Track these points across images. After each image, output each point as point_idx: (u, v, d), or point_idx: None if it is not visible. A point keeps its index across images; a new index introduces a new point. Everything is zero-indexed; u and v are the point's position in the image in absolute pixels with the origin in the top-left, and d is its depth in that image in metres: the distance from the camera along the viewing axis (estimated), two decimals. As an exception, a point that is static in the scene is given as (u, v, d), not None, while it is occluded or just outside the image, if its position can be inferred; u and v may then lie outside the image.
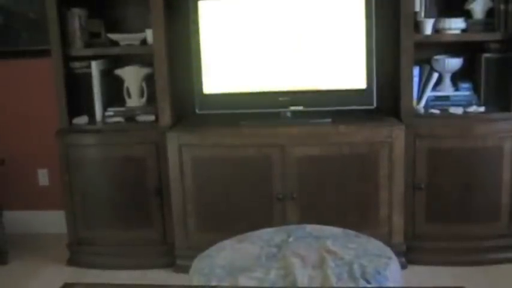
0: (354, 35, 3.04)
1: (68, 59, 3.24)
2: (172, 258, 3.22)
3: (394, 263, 2.15)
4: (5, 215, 3.48)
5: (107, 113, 3.30)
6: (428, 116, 3.16)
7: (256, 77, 3.13)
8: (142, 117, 3.28)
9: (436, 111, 3.18)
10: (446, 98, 3.24)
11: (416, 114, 3.15)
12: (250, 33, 3.10)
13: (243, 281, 2.01)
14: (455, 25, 3.09)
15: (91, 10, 3.32)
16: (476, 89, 3.22)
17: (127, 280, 3.09)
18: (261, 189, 3.08)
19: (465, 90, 3.23)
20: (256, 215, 3.06)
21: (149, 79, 3.29)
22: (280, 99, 3.12)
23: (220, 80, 3.16)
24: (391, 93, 3.23)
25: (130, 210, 3.26)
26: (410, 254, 3.13)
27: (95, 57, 3.27)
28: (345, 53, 3.07)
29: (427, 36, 3.11)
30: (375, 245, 2.27)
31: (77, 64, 3.28)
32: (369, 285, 1.97)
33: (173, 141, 3.08)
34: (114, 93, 3.38)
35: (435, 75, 3.19)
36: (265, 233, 2.41)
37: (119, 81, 3.35)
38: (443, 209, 3.12)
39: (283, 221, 2.98)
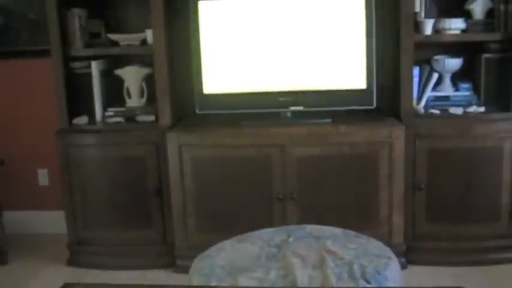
0: (354, 35, 3.04)
1: (68, 59, 3.24)
2: (172, 258, 3.22)
3: (394, 263, 2.15)
4: (5, 215, 3.48)
5: (107, 113, 3.30)
6: (428, 116, 3.16)
7: (256, 77, 3.13)
8: (142, 118, 3.28)
9: (436, 111, 3.18)
10: (446, 98, 3.24)
11: (416, 115, 3.15)
12: (250, 33, 3.10)
13: (243, 281, 2.01)
14: (455, 25, 3.10)
15: (91, 10, 3.32)
16: (476, 89, 3.23)
17: (127, 280, 3.08)
18: (261, 189, 3.08)
19: (465, 91, 3.23)
20: (256, 215, 3.06)
21: (149, 79, 3.29)
22: (281, 99, 3.12)
23: (220, 80, 3.16)
24: (391, 93, 3.23)
25: (130, 210, 3.25)
26: (410, 254, 3.13)
27: (95, 57, 3.27)
28: (345, 53, 3.07)
29: (427, 36, 3.11)
30: (374, 245, 2.27)
31: (77, 64, 3.28)
32: (368, 285, 1.97)
33: (173, 141, 3.08)
34: (114, 93, 3.38)
35: (435, 76, 3.19)
36: (265, 233, 2.40)
37: (119, 81, 3.35)
38: (444, 209, 3.12)
39: (283, 221, 2.98)
